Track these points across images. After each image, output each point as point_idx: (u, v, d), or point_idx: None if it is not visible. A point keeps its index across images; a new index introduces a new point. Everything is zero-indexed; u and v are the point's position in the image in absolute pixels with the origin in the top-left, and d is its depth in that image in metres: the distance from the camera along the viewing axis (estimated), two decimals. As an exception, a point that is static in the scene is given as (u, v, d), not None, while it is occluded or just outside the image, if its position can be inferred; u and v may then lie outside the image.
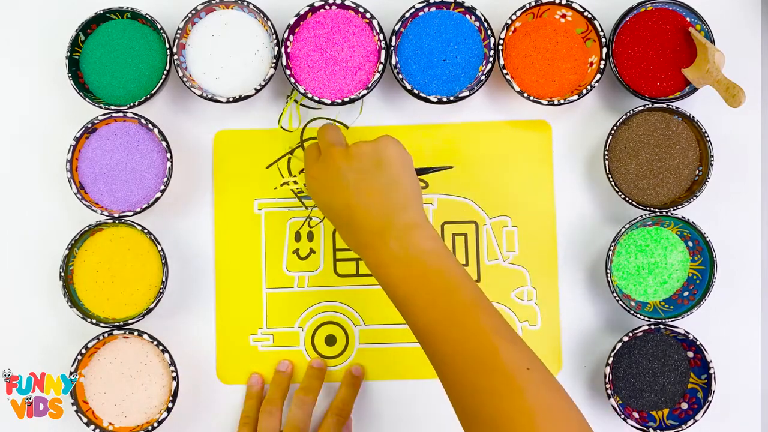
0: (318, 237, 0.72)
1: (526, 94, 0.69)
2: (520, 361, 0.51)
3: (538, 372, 0.52)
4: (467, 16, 0.70)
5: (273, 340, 0.72)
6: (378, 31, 0.69)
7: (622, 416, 0.67)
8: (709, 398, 0.67)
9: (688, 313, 0.68)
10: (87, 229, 0.69)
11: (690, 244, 0.70)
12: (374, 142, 0.60)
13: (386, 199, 0.58)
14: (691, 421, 0.67)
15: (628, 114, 0.69)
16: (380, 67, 0.69)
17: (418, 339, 0.56)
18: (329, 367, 0.72)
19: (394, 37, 0.69)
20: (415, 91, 0.69)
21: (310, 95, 0.69)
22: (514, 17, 0.69)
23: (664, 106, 0.69)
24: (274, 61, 0.69)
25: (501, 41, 0.69)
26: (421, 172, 0.66)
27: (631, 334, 0.67)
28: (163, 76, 0.69)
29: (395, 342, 0.72)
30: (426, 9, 0.70)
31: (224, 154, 0.73)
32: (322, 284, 0.72)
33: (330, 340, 0.72)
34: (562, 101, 0.69)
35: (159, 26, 0.69)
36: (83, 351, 0.67)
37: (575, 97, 0.69)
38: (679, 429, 0.67)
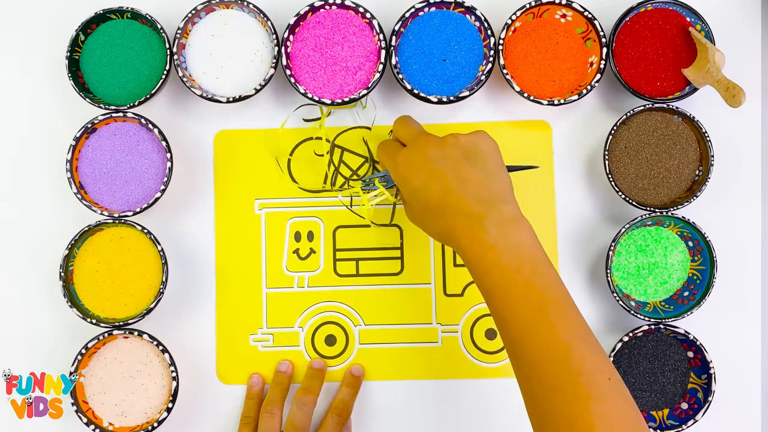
0: (318, 237, 0.72)
1: (526, 94, 0.69)
2: (602, 370, 0.51)
3: (618, 384, 0.52)
4: (467, 16, 0.70)
5: (273, 340, 0.72)
6: (378, 31, 0.69)
7: (622, 416, 0.67)
8: (709, 398, 0.67)
9: (688, 313, 0.68)
10: (87, 229, 0.69)
11: (690, 244, 0.70)
12: (471, 135, 0.60)
13: (485, 188, 0.57)
14: (691, 421, 0.67)
15: (628, 114, 0.69)
16: (380, 67, 0.69)
17: (500, 328, 0.55)
18: (329, 367, 0.72)
19: (394, 37, 0.69)
20: (415, 91, 0.69)
21: (310, 95, 0.69)
22: (514, 17, 0.69)
23: (664, 106, 0.69)
24: (274, 61, 0.69)
25: (501, 41, 0.69)
26: (508, 169, 0.66)
27: (631, 334, 0.67)
28: (163, 76, 0.69)
29: (395, 342, 0.72)
30: (426, 9, 0.70)
31: (224, 154, 0.73)
32: (322, 284, 0.72)
33: (330, 340, 0.72)
34: (562, 101, 0.69)
35: (159, 26, 0.69)
36: (83, 351, 0.67)
37: (575, 97, 0.69)
38: (679, 429, 0.67)
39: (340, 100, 0.69)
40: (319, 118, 0.72)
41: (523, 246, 0.55)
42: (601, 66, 0.69)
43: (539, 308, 0.53)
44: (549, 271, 0.55)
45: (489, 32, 0.70)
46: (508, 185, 0.59)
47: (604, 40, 0.69)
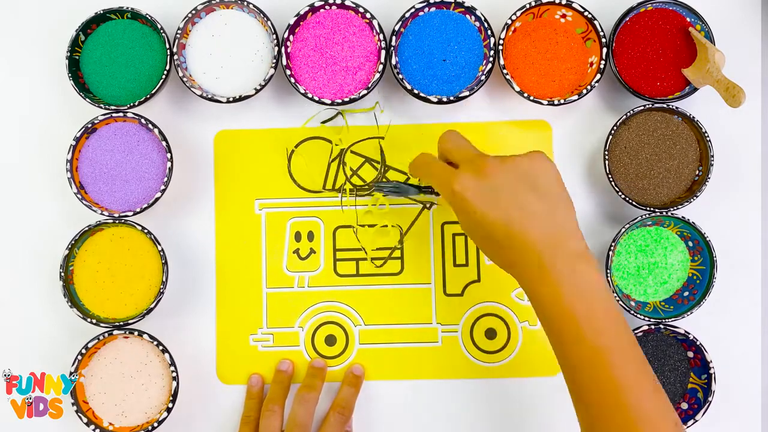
0: (318, 237, 0.72)
1: (526, 94, 0.69)
2: (667, 414, 0.51)
3: (682, 429, 0.51)
4: (467, 16, 0.70)
5: (273, 340, 0.72)
6: (378, 31, 0.69)
7: (622, 416, 0.67)
8: (709, 398, 0.67)
9: (688, 313, 0.68)
10: (87, 229, 0.69)
11: (690, 244, 0.70)
12: (531, 157, 0.56)
13: (552, 223, 0.54)
14: (691, 421, 0.67)
15: (628, 114, 0.69)
16: (380, 67, 0.69)
17: (562, 364, 0.54)
18: (329, 367, 0.72)
19: (394, 37, 0.69)
20: (415, 91, 0.69)
21: (310, 95, 0.69)
22: (514, 17, 0.69)
23: (664, 106, 0.69)
24: (274, 61, 0.69)
25: (501, 41, 0.69)
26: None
27: (631, 334, 0.67)
28: (163, 76, 0.69)
29: (395, 342, 0.72)
30: (426, 9, 0.70)
31: (224, 154, 0.73)
32: (322, 284, 0.72)
33: (330, 340, 0.72)
34: (562, 101, 0.69)
35: (159, 26, 0.69)
36: (83, 351, 0.67)
37: (575, 97, 0.69)
38: (679, 429, 0.67)
39: (340, 100, 0.69)
40: (331, 118, 0.72)
41: (594, 283, 0.53)
42: (601, 66, 0.69)
43: (603, 351, 0.51)
44: (615, 310, 0.53)
45: (489, 32, 0.70)
46: (573, 215, 0.56)
47: (604, 40, 0.69)
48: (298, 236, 0.72)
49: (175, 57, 0.70)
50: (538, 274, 0.53)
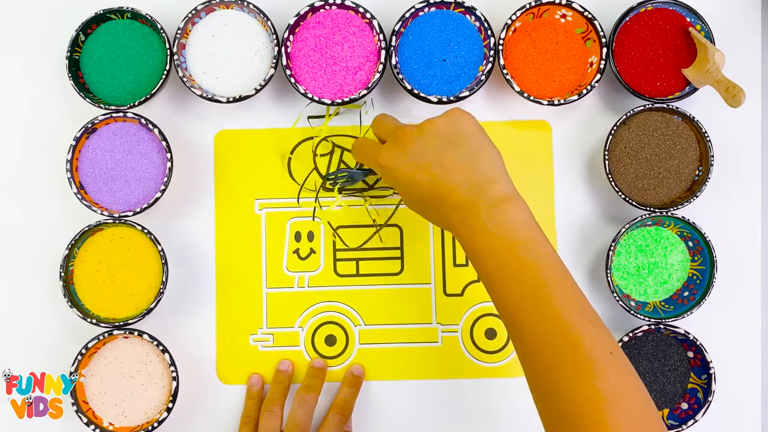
0: (318, 237, 0.73)
1: (526, 94, 0.69)
2: (603, 345, 0.51)
3: (620, 358, 0.51)
4: (467, 16, 0.70)
5: (273, 340, 0.72)
6: (378, 31, 0.69)
7: (622, 416, 0.67)
8: (709, 398, 0.67)
9: (688, 313, 0.68)
10: (87, 229, 0.69)
11: (690, 244, 0.70)
12: (446, 116, 0.58)
13: (473, 171, 0.56)
14: (691, 421, 0.67)
15: (628, 114, 0.69)
16: (380, 67, 0.69)
17: (499, 311, 0.55)
18: (329, 367, 0.72)
19: (394, 37, 0.69)
20: (415, 91, 0.69)
21: (310, 95, 0.69)
22: (514, 17, 0.69)
23: (664, 106, 0.69)
24: (274, 61, 0.69)
25: (501, 41, 0.69)
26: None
27: (631, 334, 0.67)
28: (163, 76, 0.69)
29: (395, 342, 0.72)
30: (426, 9, 0.70)
31: (224, 154, 0.73)
32: (322, 284, 0.72)
33: (330, 340, 0.72)
34: (562, 101, 0.69)
35: (159, 26, 0.69)
36: (83, 351, 0.67)
37: (575, 97, 0.69)
38: (679, 429, 0.67)
39: (340, 100, 0.69)
40: (323, 116, 0.72)
41: (516, 225, 0.54)
42: (601, 66, 0.69)
43: (535, 287, 0.52)
44: (544, 248, 0.54)
45: (489, 32, 0.70)
46: (496, 161, 0.57)
47: (604, 40, 0.69)
48: (298, 236, 0.72)
49: (175, 57, 0.70)
50: (466, 222, 0.55)
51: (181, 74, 0.69)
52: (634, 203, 0.69)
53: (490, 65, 0.69)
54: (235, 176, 0.73)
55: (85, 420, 0.66)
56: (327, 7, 0.70)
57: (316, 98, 0.69)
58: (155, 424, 0.67)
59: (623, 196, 0.69)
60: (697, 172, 0.70)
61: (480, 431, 0.71)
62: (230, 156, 0.73)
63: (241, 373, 0.72)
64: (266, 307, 0.72)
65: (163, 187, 0.69)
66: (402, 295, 0.72)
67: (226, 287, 0.72)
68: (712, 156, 0.69)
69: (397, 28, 0.69)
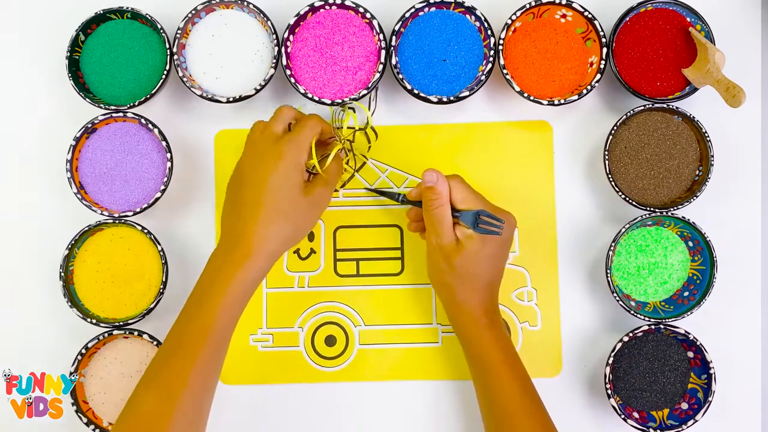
0: (318, 237, 0.72)
1: (526, 94, 0.69)
2: (536, 415, 0.62)
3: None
4: (467, 16, 0.70)
5: (273, 340, 0.72)
6: (378, 31, 0.69)
7: (622, 416, 0.67)
8: (709, 398, 0.67)
9: (688, 313, 0.68)
10: (87, 229, 0.69)
11: (690, 244, 0.70)
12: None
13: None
14: (691, 421, 0.67)
15: (628, 114, 0.69)
16: (380, 67, 0.69)
17: (478, 382, 0.65)
18: (329, 367, 0.71)
19: (394, 37, 0.69)
20: (415, 91, 0.69)
21: (310, 95, 0.69)
22: (514, 17, 0.69)
23: (664, 106, 0.69)
24: (274, 61, 0.69)
25: (501, 41, 0.69)
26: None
27: (631, 334, 0.67)
28: (163, 76, 0.69)
29: (395, 342, 0.72)
30: (426, 9, 0.70)
31: (224, 154, 0.73)
32: (322, 284, 0.72)
33: (330, 341, 0.72)
34: (562, 101, 0.69)
35: (159, 26, 0.69)
36: (83, 351, 0.67)
37: (575, 97, 0.69)
38: (679, 429, 0.67)
39: (340, 100, 0.69)
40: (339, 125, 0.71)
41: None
42: (601, 66, 0.69)
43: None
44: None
45: (489, 32, 0.70)
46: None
47: (604, 40, 0.69)
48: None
49: (175, 57, 0.70)
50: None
51: (181, 74, 0.69)
52: (634, 203, 0.69)
53: (490, 65, 0.69)
54: (235, 176, 0.73)
55: (85, 420, 0.67)
56: (327, 7, 0.70)
57: (316, 98, 0.69)
58: (155, 424, 0.67)
59: (623, 196, 0.69)
60: (697, 172, 0.70)
61: (480, 431, 0.71)
62: (230, 156, 0.73)
63: (240, 374, 0.71)
64: (266, 307, 0.72)
65: (163, 187, 0.69)
66: (402, 295, 0.72)
67: (226, 287, 0.72)
68: (712, 156, 0.69)
69: (397, 28, 0.69)
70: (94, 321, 0.68)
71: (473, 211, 0.63)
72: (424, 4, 0.69)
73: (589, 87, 0.69)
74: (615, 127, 0.69)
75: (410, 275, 0.72)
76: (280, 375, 0.71)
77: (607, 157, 0.69)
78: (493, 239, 0.63)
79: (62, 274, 0.68)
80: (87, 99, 0.69)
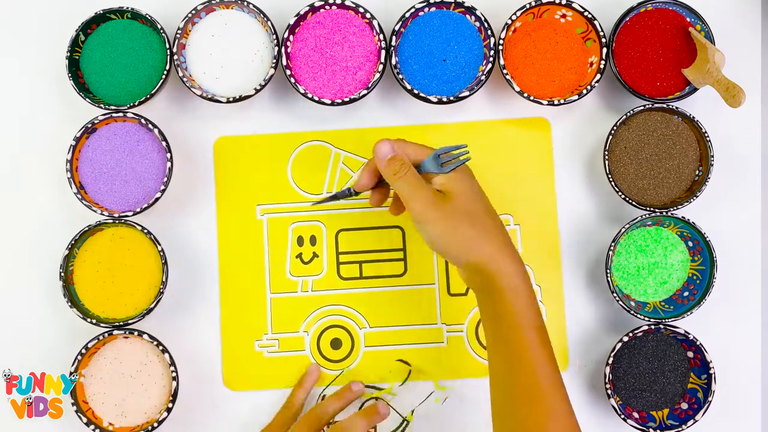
0: (321, 241, 0.72)
1: (526, 94, 0.69)
2: (556, 386, 0.59)
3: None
4: (467, 16, 0.70)
5: (278, 346, 0.71)
6: (378, 31, 0.69)
7: (622, 416, 0.67)
8: (709, 398, 0.67)
9: (688, 313, 0.68)
10: (87, 229, 0.69)
11: (690, 244, 0.70)
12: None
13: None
14: (691, 421, 0.67)
15: (628, 114, 0.69)
16: (380, 67, 0.69)
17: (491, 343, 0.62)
18: (332, 370, 0.71)
19: (394, 37, 0.69)
20: (415, 91, 0.69)
21: (310, 95, 0.69)
22: (514, 17, 0.69)
23: (664, 106, 0.69)
24: (274, 61, 0.69)
25: (501, 41, 0.69)
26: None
27: (631, 334, 0.68)
28: (163, 76, 0.69)
29: (401, 344, 0.71)
30: (426, 9, 0.70)
31: (225, 160, 0.73)
32: (326, 288, 0.72)
33: (336, 344, 0.72)
34: (562, 101, 0.69)
35: (159, 26, 0.69)
36: (83, 351, 0.67)
37: (575, 97, 0.69)
38: (679, 429, 0.67)
39: (340, 100, 0.69)
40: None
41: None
42: (601, 66, 0.69)
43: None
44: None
45: (489, 32, 0.70)
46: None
47: (604, 40, 0.69)
48: (300, 240, 0.72)
49: (175, 57, 0.70)
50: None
51: (181, 74, 0.69)
52: (634, 203, 0.69)
53: (490, 65, 0.69)
54: (236, 182, 0.73)
55: (85, 420, 0.66)
56: (327, 7, 0.70)
57: (316, 98, 0.69)
58: (155, 425, 0.67)
59: (623, 196, 0.69)
60: (697, 172, 0.70)
61: (487, 430, 0.71)
62: (231, 162, 0.73)
63: (247, 380, 0.71)
64: (271, 313, 0.72)
65: (163, 187, 0.69)
66: (406, 296, 0.72)
67: (230, 294, 0.72)
68: (712, 156, 0.69)
69: (397, 28, 0.69)
70: (94, 321, 0.68)
71: (431, 156, 0.60)
72: (424, 4, 0.69)
73: (589, 87, 0.69)
74: (615, 127, 0.69)
75: (413, 276, 0.72)
76: (288, 380, 0.71)
77: (607, 157, 0.69)
78: (462, 170, 0.60)
79: (62, 274, 0.68)
80: (87, 99, 0.69)
